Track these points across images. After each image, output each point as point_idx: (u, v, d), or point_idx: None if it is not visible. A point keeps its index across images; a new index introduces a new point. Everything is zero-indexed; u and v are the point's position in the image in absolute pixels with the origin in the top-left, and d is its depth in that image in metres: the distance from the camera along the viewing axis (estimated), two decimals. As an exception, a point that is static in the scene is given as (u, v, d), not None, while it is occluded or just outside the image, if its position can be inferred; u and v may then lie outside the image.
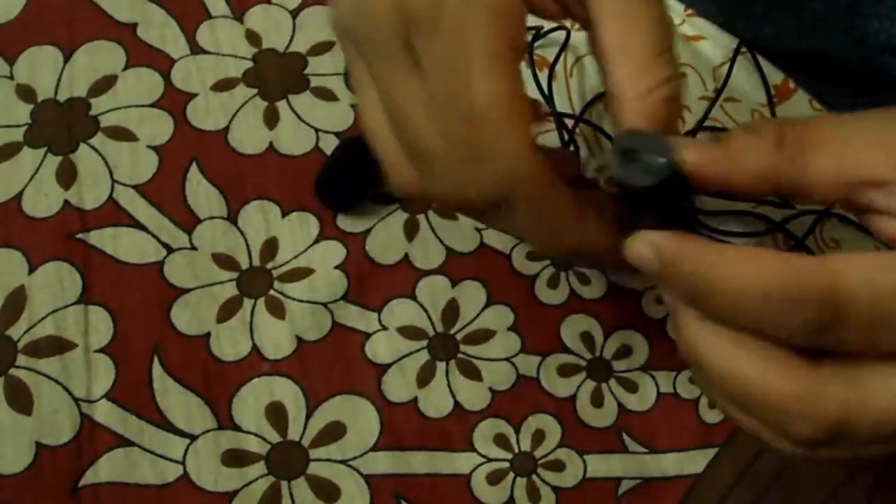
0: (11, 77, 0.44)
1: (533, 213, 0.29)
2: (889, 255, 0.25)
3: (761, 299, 0.25)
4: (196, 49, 0.47)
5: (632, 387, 0.44)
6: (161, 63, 0.46)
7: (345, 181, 0.44)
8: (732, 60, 0.54)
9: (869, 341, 0.25)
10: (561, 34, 0.52)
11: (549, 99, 0.50)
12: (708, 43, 0.55)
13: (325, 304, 0.43)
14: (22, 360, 0.39)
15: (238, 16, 0.49)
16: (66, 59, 0.46)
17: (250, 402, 0.40)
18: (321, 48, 0.49)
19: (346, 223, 0.45)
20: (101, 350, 0.40)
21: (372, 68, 0.30)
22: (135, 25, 0.47)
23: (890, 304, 0.24)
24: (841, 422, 0.25)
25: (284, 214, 0.44)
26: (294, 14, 0.49)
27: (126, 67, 0.46)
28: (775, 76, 0.55)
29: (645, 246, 0.27)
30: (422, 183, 0.30)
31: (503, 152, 0.28)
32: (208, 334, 0.41)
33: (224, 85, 0.47)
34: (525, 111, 0.28)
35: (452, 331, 0.43)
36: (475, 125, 0.27)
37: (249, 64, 0.47)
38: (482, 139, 0.28)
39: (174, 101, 0.46)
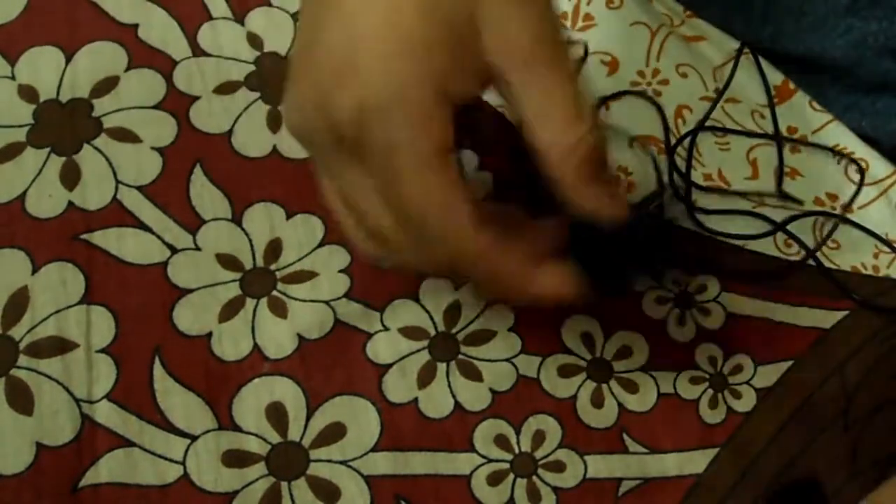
0: (13, 77, 0.45)
1: (488, 280, 0.33)
2: None
3: None
4: (198, 51, 0.47)
5: (632, 387, 0.44)
6: (163, 64, 0.46)
7: None
8: (736, 60, 0.54)
9: None
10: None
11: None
12: (708, 44, 0.55)
13: (326, 302, 0.43)
14: (23, 360, 0.39)
15: (239, 18, 0.49)
16: (68, 60, 0.46)
17: (251, 403, 0.40)
18: (322, 50, 0.49)
19: (346, 224, 0.45)
20: (103, 350, 0.40)
21: (324, 164, 0.33)
22: (136, 26, 0.47)
23: None
24: None
25: (289, 216, 0.44)
26: (295, 17, 0.49)
27: (128, 68, 0.46)
28: (776, 77, 0.55)
29: None
30: (385, 255, 0.34)
31: (448, 237, 0.30)
32: (210, 334, 0.41)
33: (227, 88, 0.47)
34: (462, 195, 0.30)
35: (454, 331, 0.43)
36: (418, 220, 0.30)
37: (252, 67, 0.47)
38: (427, 229, 0.30)
39: (177, 104, 0.46)
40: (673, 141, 0.51)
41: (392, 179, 0.30)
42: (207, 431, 0.40)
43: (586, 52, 0.51)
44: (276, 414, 0.40)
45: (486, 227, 0.31)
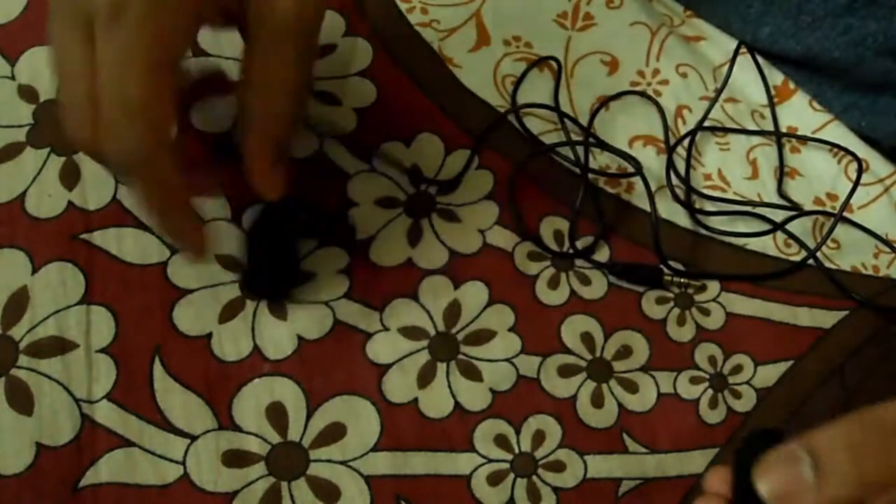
0: (13, 77, 0.45)
1: (144, 192, 0.35)
2: None
3: None
4: (197, 52, 0.47)
5: (632, 387, 0.44)
6: (163, 64, 0.46)
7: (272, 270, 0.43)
8: (732, 61, 0.54)
9: None
10: (563, 34, 0.52)
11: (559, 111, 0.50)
12: (708, 43, 0.55)
13: (326, 302, 0.43)
14: (23, 360, 0.39)
15: (239, 17, 0.49)
16: (68, 61, 0.46)
17: (251, 403, 0.40)
18: (323, 51, 0.49)
19: (347, 224, 0.45)
20: (103, 350, 0.40)
21: (60, 28, 0.35)
22: (136, 27, 0.47)
23: None
24: None
25: (286, 216, 0.44)
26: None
27: (128, 69, 0.46)
28: (775, 76, 0.55)
29: None
30: (68, 127, 0.35)
31: (134, 135, 0.33)
32: (210, 334, 0.41)
33: (226, 87, 0.47)
34: (163, 112, 0.34)
35: (453, 331, 0.43)
36: (120, 113, 0.33)
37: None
38: (123, 123, 0.33)
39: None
40: (672, 141, 0.51)
41: (121, 72, 0.33)
42: (207, 431, 0.40)
43: (560, 67, 0.51)
44: (276, 414, 0.40)
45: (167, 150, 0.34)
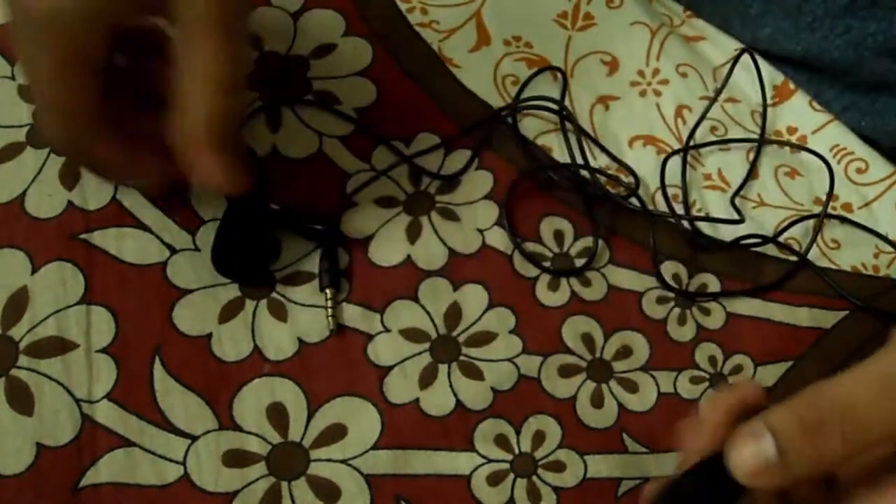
0: (13, 77, 0.45)
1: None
2: None
3: None
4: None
5: (632, 387, 0.44)
6: (162, 64, 0.46)
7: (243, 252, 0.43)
8: (734, 61, 0.54)
9: None
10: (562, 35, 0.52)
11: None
12: (707, 43, 0.55)
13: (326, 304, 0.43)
14: (23, 360, 0.39)
15: (239, 17, 0.49)
16: (68, 61, 0.46)
17: (251, 403, 0.40)
18: (323, 51, 0.49)
19: (349, 229, 0.45)
20: (103, 350, 0.40)
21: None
22: (136, 27, 0.47)
23: None
24: None
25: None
26: (295, 17, 0.49)
27: (128, 69, 0.46)
28: (775, 77, 0.55)
29: None
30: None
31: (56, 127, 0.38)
32: (210, 335, 0.41)
33: (225, 86, 0.47)
34: (85, 102, 0.36)
35: (455, 333, 0.43)
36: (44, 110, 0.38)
37: (251, 67, 0.47)
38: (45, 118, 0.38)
39: (176, 103, 0.46)
40: (672, 141, 0.51)
41: (43, 67, 0.36)
42: (208, 431, 0.40)
43: (564, 77, 0.51)
44: (277, 414, 0.40)
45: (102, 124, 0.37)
